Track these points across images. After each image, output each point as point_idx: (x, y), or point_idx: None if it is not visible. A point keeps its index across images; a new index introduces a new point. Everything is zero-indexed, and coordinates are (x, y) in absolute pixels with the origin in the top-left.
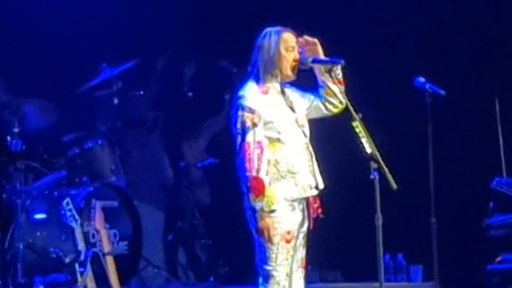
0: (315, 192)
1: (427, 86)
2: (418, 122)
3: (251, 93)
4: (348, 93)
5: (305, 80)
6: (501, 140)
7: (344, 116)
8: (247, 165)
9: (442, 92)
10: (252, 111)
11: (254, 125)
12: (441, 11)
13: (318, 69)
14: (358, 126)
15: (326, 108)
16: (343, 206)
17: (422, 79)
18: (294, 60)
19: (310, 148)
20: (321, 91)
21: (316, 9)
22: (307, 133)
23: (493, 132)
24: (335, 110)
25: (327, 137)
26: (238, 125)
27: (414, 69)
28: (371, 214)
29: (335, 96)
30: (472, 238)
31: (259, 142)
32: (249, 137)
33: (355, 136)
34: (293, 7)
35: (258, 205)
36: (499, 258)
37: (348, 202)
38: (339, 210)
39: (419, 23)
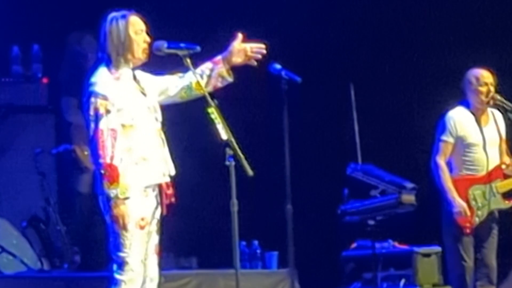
0: (167, 178)
1: (283, 72)
2: (274, 109)
3: (103, 80)
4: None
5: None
6: (356, 127)
7: (199, 102)
8: (100, 152)
9: (298, 78)
10: (105, 97)
11: (108, 112)
12: None
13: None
14: (213, 112)
15: (181, 96)
16: (199, 193)
17: (277, 66)
18: (145, 42)
19: (162, 135)
20: (186, 81)
21: None
22: (159, 118)
23: (348, 119)
24: (189, 99)
25: (183, 122)
26: (91, 112)
27: (270, 55)
28: (226, 200)
29: (200, 89)
30: (328, 225)
31: (112, 129)
32: (103, 124)
33: (211, 122)
34: None
35: (112, 193)
36: (354, 244)
37: (204, 188)
38: (195, 196)
39: (274, 8)
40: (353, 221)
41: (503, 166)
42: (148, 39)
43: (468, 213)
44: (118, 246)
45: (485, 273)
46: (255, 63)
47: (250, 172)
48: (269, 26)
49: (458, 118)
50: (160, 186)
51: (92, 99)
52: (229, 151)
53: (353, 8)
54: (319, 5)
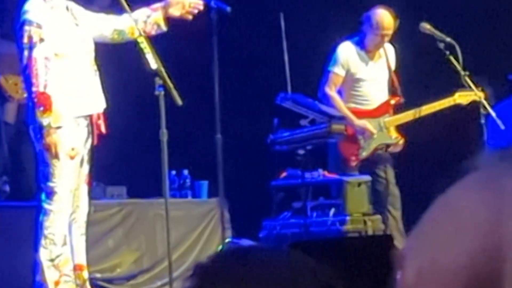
0: (100, 109)
1: (212, 2)
2: (204, 39)
3: (37, 8)
4: (132, 7)
5: None
6: (286, 56)
7: None
8: (34, 80)
9: (228, 8)
10: (39, 25)
11: (41, 40)
12: None
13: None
14: (143, 42)
15: (113, 38)
16: (129, 122)
17: None
18: None
19: (95, 66)
20: (121, 25)
21: None
22: (92, 50)
23: (278, 48)
24: (121, 42)
25: (112, 51)
26: (25, 40)
27: None
28: (156, 130)
29: (133, 34)
30: (258, 154)
31: (46, 58)
32: (36, 52)
33: (140, 51)
34: None
35: (45, 121)
36: (283, 173)
37: (133, 118)
38: (124, 126)
39: None
40: (282, 150)
41: (392, 102)
42: None
43: (374, 130)
44: (48, 176)
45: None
46: (190, 18)
47: (179, 101)
48: None
49: (350, 52)
50: (91, 116)
51: (26, 27)
52: (158, 81)
53: None
54: None
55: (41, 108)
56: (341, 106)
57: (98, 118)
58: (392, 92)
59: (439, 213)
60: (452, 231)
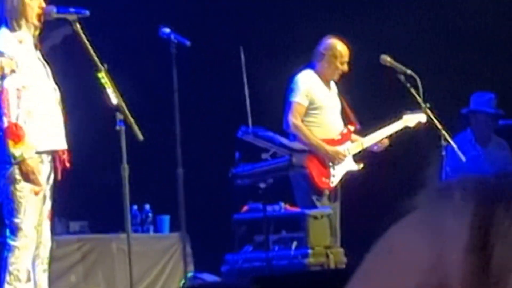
0: (64, 145)
1: (172, 36)
2: (164, 73)
3: (7, 40)
4: (93, 43)
5: None
6: (246, 90)
7: (89, 66)
8: (5, 111)
9: (187, 42)
10: (10, 57)
11: (13, 71)
12: None
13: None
14: (103, 77)
15: None
16: (89, 157)
17: (167, 30)
18: (39, 8)
19: (60, 104)
20: None
21: None
22: (57, 89)
23: (239, 82)
24: None
25: (73, 86)
26: None
27: (159, 19)
28: (118, 164)
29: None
30: (219, 188)
31: (18, 89)
32: (8, 83)
33: (101, 86)
34: None
35: (17, 152)
36: (245, 207)
37: (94, 153)
38: (86, 160)
39: None
40: (244, 184)
41: (352, 129)
42: (43, 4)
43: (346, 155)
44: (12, 212)
45: None
46: None
47: (140, 136)
48: None
49: (311, 81)
50: (55, 152)
51: None
52: (119, 116)
53: None
54: None
55: (14, 140)
56: (310, 135)
57: (63, 153)
58: (348, 120)
59: (379, 254)
60: (393, 272)
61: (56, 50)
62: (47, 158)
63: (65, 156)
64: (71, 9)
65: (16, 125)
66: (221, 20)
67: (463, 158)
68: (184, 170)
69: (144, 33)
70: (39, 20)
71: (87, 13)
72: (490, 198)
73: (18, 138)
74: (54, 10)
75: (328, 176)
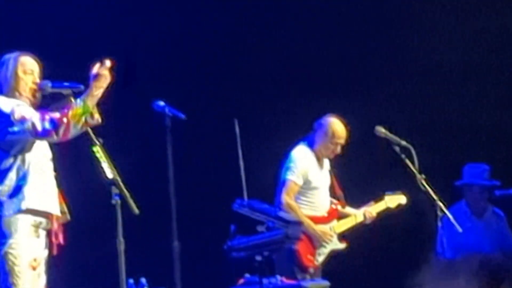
0: (58, 211)
1: (167, 109)
2: (159, 146)
3: (5, 101)
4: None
5: None
6: (241, 163)
7: (84, 141)
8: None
9: (182, 115)
10: None
11: None
12: (181, 31)
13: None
14: (98, 151)
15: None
16: (85, 231)
17: (161, 103)
18: (33, 83)
19: (54, 173)
20: None
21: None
22: (51, 158)
23: (233, 155)
24: (75, 135)
25: (68, 160)
26: None
27: (153, 92)
28: (113, 238)
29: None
30: (215, 261)
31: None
32: None
33: (96, 161)
34: None
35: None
36: (241, 280)
37: (90, 226)
38: (82, 234)
39: (156, 44)
40: (240, 257)
41: (339, 207)
42: (37, 80)
43: (333, 235)
44: (10, 287)
45: None
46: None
47: (135, 210)
48: (154, 62)
49: (307, 160)
50: (50, 229)
51: None
52: (114, 190)
53: (236, 45)
54: (203, 42)
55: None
56: (300, 214)
57: (58, 227)
58: (335, 197)
59: None
60: None
61: None
62: (43, 233)
63: (60, 231)
64: (66, 83)
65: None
66: (215, 93)
67: (459, 229)
68: (180, 243)
69: (138, 106)
70: (33, 95)
71: (82, 87)
72: (495, 278)
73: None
74: (49, 84)
75: (313, 254)
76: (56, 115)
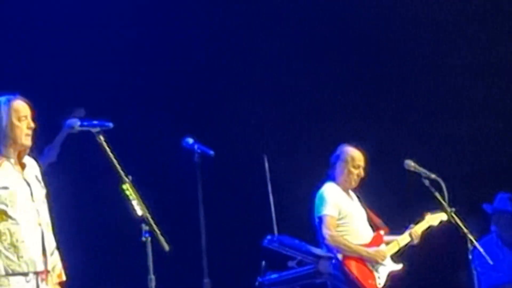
0: (42, 266)
1: (196, 146)
2: (188, 183)
3: None
4: (117, 155)
5: None
6: (271, 198)
7: (114, 178)
8: None
9: (211, 152)
10: None
11: None
12: (210, 73)
13: None
14: (128, 189)
15: None
16: (116, 269)
17: (190, 140)
18: (28, 128)
19: (44, 225)
20: None
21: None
22: (43, 211)
23: (263, 190)
24: None
25: (99, 198)
26: None
27: (183, 130)
28: (144, 276)
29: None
30: None
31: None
32: None
33: (126, 198)
34: None
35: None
36: None
37: (121, 264)
38: (112, 273)
39: (181, 82)
40: None
41: (382, 232)
42: (32, 125)
43: (388, 254)
44: None
45: None
46: None
47: (166, 247)
48: (177, 99)
49: (336, 192)
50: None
51: None
52: (145, 227)
53: (260, 82)
54: (227, 77)
55: None
56: (348, 242)
57: (53, 269)
58: (376, 226)
59: None
60: None
61: (53, 167)
62: (33, 277)
63: (59, 271)
64: (95, 122)
65: None
66: (243, 128)
67: (490, 261)
68: (210, 280)
69: (167, 143)
70: (29, 141)
71: (111, 125)
72: None
73: None
74: (78, 123)
75: (373, 278)
76: None
